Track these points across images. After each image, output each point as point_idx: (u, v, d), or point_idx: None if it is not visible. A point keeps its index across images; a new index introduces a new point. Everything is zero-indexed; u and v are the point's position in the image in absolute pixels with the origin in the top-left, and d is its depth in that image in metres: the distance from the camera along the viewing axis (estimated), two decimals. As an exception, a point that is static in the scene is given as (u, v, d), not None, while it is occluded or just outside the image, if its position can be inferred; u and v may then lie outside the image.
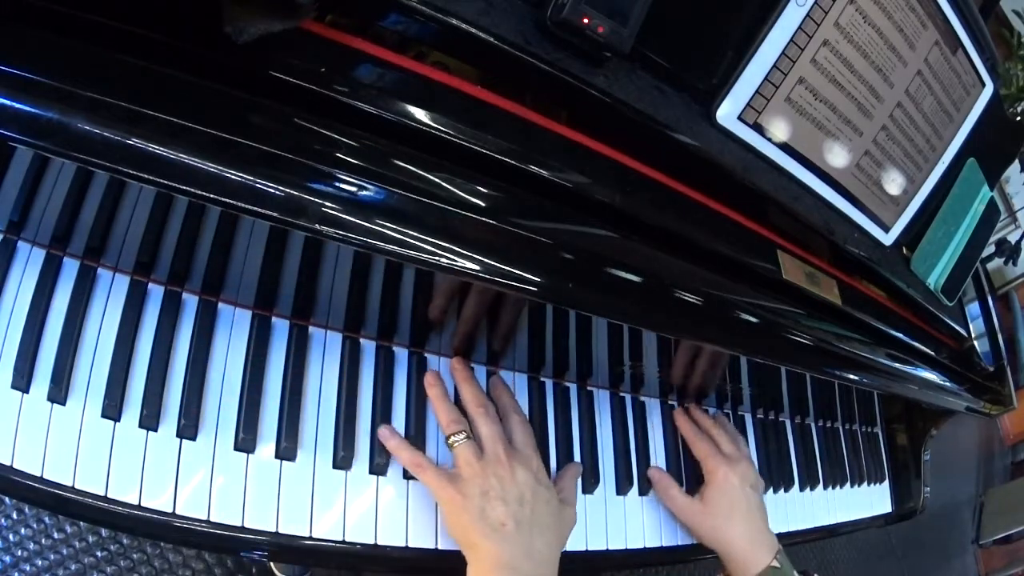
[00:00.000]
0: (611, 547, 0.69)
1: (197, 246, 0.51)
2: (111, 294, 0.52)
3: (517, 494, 0.57)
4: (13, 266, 0.49)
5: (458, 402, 0.63)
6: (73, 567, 1.06)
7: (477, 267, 0.45)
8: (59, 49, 0.36)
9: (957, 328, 0.92)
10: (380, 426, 0.59)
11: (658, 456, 0.76)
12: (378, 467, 0.57)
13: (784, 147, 0.62)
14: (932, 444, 1.09)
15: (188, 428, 0.51)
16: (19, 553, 1.03)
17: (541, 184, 0.49)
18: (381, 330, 0.61)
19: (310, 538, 0.53)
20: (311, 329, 0.59)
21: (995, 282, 3.25)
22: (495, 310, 0.60)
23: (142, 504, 0.48)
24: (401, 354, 0.62)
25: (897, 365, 0.78)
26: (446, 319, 0.61)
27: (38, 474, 0.46)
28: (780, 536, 0.84)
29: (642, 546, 0.72)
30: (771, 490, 0.86)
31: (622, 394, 0.76)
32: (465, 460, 0.58)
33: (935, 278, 0.84)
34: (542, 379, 0.70)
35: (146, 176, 0.37)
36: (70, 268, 0.51)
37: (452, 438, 0.59)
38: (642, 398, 0.78)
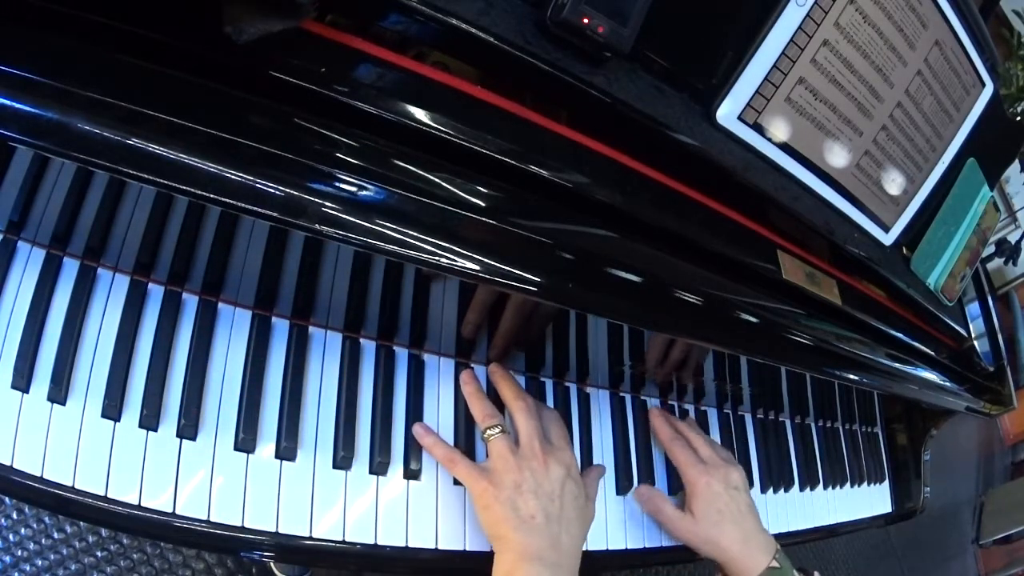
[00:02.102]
0: (611, 547, 0.69)
1: (197, 246, 0.51)
2: (111, 294, 0.52)
3: (549, 489, 0.58)
4: (13, 266, 0.49)
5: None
6: (73, 567, 1.06)
7: (477, 267, 0.45)
8: (59, 49, 0.36)
9: (957, 328, 0.92)
10: (415, 424, 0.60)
11: (658, 456, 0.76)
12: (378, 467, 0.57)
13: (784, 147, 0.62)
14: (932, 444, 1.09)
15: (188, 428, 0.51)
16: (19, 553, 1.03)
17: (541, 184, 0.49)
18: (381, 330, 0.61)
19: (310, 538, 0.53)
20: (311, 329, 0.59)
21: (995, 282, 3.25)
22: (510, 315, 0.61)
23: (142, 504, 0.48)
24: (401, 354, 0.62)
25: (897, 365, 0.78)
26: (477, 331, 0.61)
27: (38, 474, 0.46)
28: (780, 536, 0.84)
29: (642, 546, 0.72)
30: (771, 490, 0.86)
31: (622, 394, 0.76)
32: (499, 453, 0.59)
33: (935, 278, 0.84)
34: (542, 379, 0.70)
35: (146, 176, 0.37)
36: (70, 268, 0.51)
37: (488, 431, 0.60)
38: (642, 398, 0.78)
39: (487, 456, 0.60)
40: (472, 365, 0.66)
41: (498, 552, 0.56)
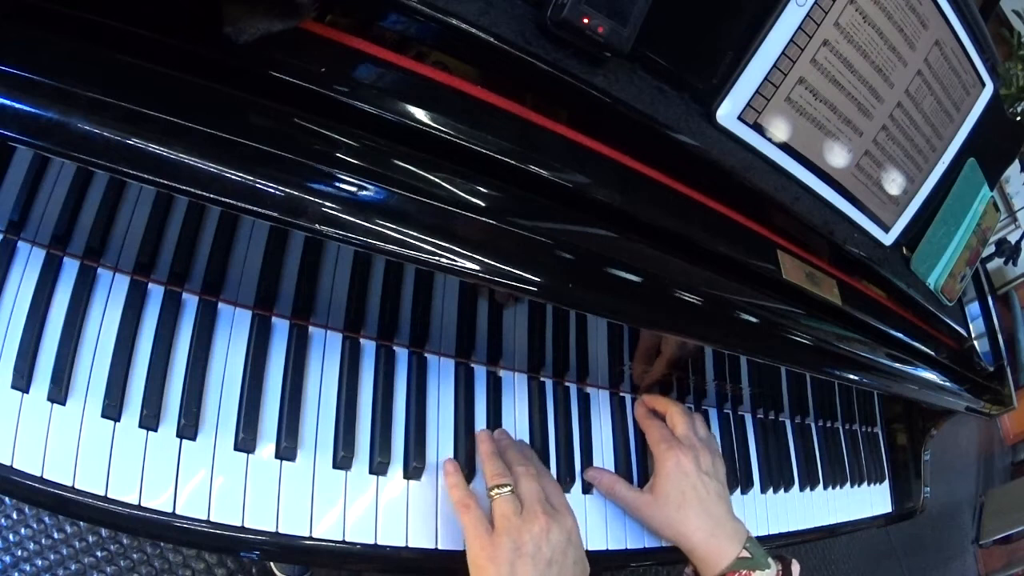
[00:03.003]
0: (611, 547, 0.69)
1: (197, 246, 0.51)
2: (111, 294, 0.52)
3: (548, 555, 0.57)
4: (13, 266, 0.49)
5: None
6: (73, 567, 1.06)
7: (477, 267, 0.45)
8: (59, 49, 0.36)
9: (957, 328, 0.92)
10: (446, 460, 0.60)
11: (658, 456, 0.76)
12: (378, 467, 0.58)
13: (784, 147, 0.62)
14: (932, 444, 1.09)
15: (188, 428, 0.51)
16: (19, 553, 1.03)
17: (541, 184, 0.49)
18: (381, 330, 0.61)
19: (310, 538, 0.53)
20: (311, 329, 0.59)
21: (995, 282, 3.25)
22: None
23: (142, 504, 0.48)
24: (401, 354, 0.62)
25: (897, 365, 0.78)
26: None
27: (38, 474, 0.46)
28: (780, 536, 0.84)
29: (642, 546, 0.71)
30: (771, 490, 0.86)
31: (622, 394, 0.76)
32: (503, 513, 0.58)
33: (935, 278, 0.84)
34: (542, 379, 0.70)
35: (146, 176, 0.37)
36: (70, 268, 0.51)
37: (495, 490, 0.59)
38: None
39: (491, 513, 0.59)
40: (472, 365, 0.66)
41: None
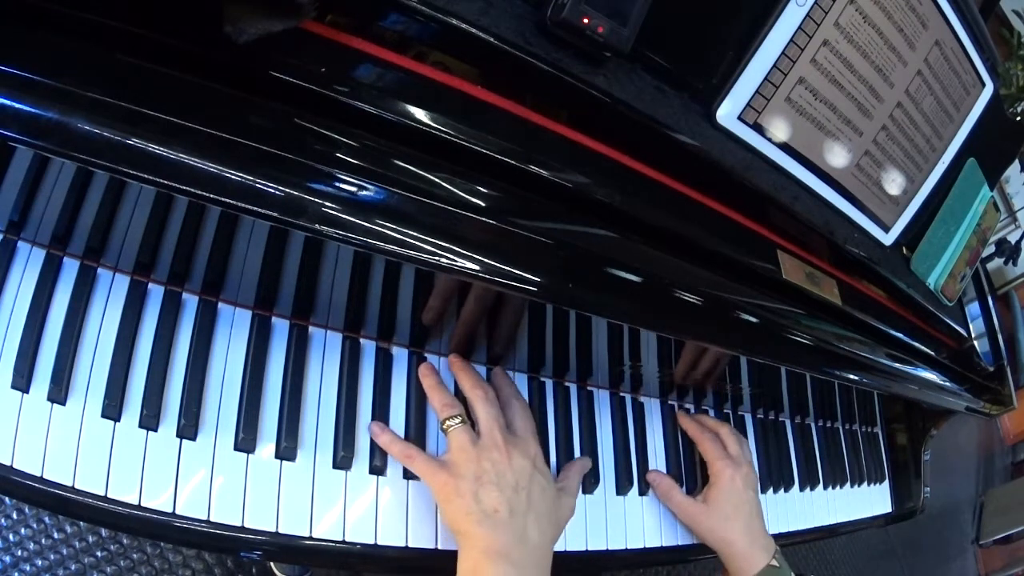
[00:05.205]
0: (611, 547, 0.69)
1: (197, 246, 0.51)
2: (111, 294, 0.52)
3: (512, 480, 0.56)
4: (13, 266, 0.49)
5: (458, 395, 0.62)
6: (73, 567, 1.06)
7: (477, 267, 0.45)
8: (59, 49, 0.36)
9: (957, 328, 0.92)
10: (371, 423, 0.58)
11: (658, 456, 0.76)
12: (378, 467, 0.57)
13: (784, 147, 0.62)
14: (932, 444, 1.09)
15: (188, 428, 0.51)
16: (19, 553, 1.03)
17: (541, 184, 0.49)
18: (381, 330, 0.61)
19: (310, 538, 0.53)
20: (311, 329, 0.59)
21: (995, 282, 3.25)
22: (495, 312, 0.60)
23: (142, 504, 0.48)
24: (401, 354, 0.62)
25: (897, 365, 0.78)
26: (444, 320, 0.61)
27: (38, 474, 0.46)
28: (780, 536, 0.84)
29: (642, 546, 0.72)
30: (771, 490, 0.86)
31: (622, 394, 0.76)
32: (459, 444, 0.57)
33: (935, 278, 0.84)
34: (542, 379, 0.70)
35: (146, 176, 0.37)
36: (70, 268, 0.51)
37: (447, 422, 0.58)
38: (642, 398, 0.78)
39: (447, 449, 0.58)
40: (472, 365, 0.66)
41: (461, 549, 0.55)
